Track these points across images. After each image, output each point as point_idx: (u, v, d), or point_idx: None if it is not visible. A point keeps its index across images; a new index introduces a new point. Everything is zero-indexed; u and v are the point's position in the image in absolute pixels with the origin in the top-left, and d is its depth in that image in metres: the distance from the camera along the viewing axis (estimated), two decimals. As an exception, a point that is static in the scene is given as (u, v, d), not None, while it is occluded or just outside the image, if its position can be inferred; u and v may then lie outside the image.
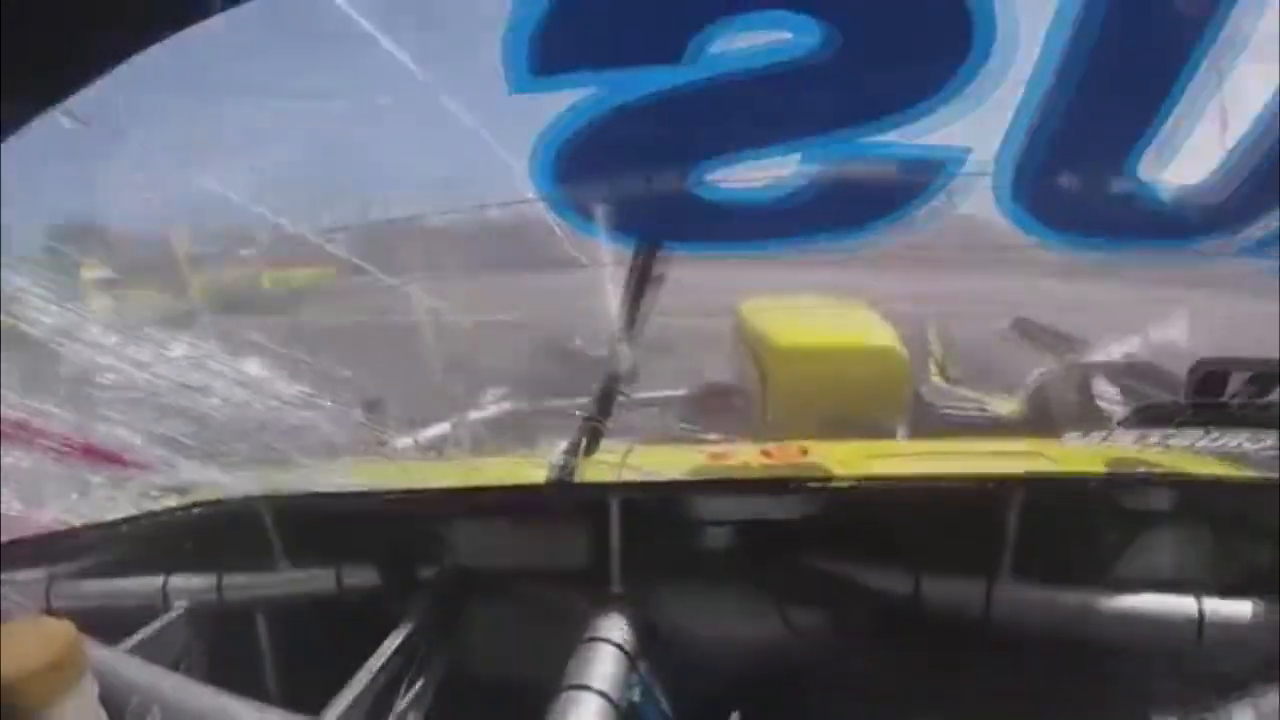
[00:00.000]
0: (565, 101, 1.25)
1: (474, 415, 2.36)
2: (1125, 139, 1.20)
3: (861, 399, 2.27)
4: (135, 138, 1.41)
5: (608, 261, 1.50)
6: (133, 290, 1.85)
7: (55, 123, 1.16)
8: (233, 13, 0.99)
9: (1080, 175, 1.24)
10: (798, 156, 1.24)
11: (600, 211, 1.35)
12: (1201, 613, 1.42)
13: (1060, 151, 1.21)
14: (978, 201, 1.25)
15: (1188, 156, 1.23)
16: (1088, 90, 1.17)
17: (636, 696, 1.37)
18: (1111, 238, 1.30)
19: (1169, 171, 1.23)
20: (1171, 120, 1.18)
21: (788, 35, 1.15)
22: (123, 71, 0.99)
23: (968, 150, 1.22)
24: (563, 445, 1.72)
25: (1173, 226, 1.26)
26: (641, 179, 1.31)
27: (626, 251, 1.44)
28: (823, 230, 1.36)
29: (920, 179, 1.24)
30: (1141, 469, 1.57)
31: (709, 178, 1.28)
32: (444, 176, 1.59)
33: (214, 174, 1.46)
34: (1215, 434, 1.52)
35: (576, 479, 1.62)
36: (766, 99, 1.19)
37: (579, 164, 1.29)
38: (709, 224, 1.34)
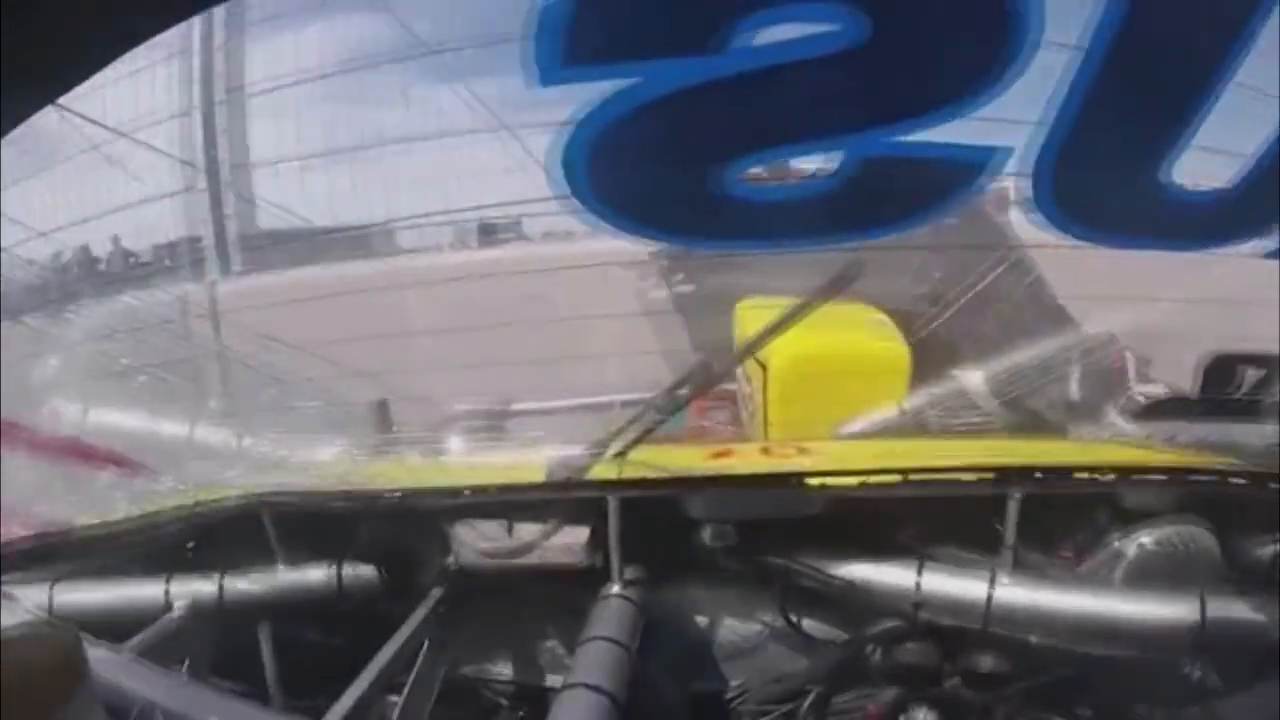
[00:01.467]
0: (600, 95, 1.22)
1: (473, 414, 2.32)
2: (1158, 144, 1.21)
3: (863, 398, 2.27)
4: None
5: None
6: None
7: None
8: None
9: (1113, 179, 1.24)
10: (836, 154, 1.22)
11: (632, 210, 1.32)
12: (1204, 612, 1.44)
13: (1094, 155, 1.21)
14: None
15: (1217, 160, 1.25)
16: (1122, 95, 1.17)
17: (637, 697, 1.35)
18: (1144, 239, 1.32)
19: (1199, 175, 1.25)
20: (1203, 126, 1.19)
21: (826, 27, 1.13)
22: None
23: (1009, 150, 1.22)
24: (562, 444, 1.70)
25: (1204, 229, 1.28)
26: (675, 176, 1.28)
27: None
28: (856, 229, 1.35)
29: (958, 178, 1.23)
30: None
31: (742, 176, 1.26)
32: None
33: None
34: (1222, 427, 1.54)
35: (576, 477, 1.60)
36: (803, 92, 1.17)
37: (611, 161, 1.25)
38: (742, 223, 1.31)
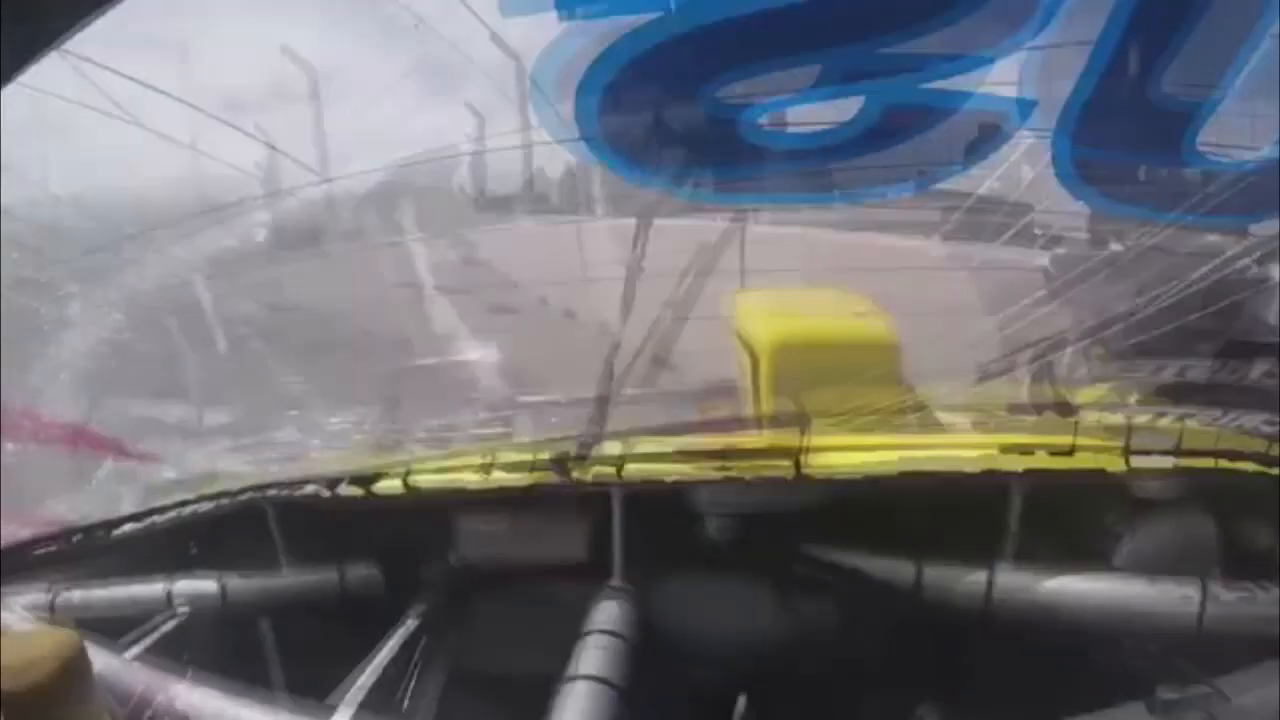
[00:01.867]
0: (608, 40, 1.18)
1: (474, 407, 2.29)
2: (1185, 112, 1.19)
3: (855, 390, 2.25)
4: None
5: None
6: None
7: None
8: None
9: (1140, 147, 1.22)
10: (859, 101, 1.20)
11: (646, 153, 1.30)
12: (1204, 598, 1.41)
13: (1120, 121, 1.19)
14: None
15: (1249, 132, 1.22)
16: (1150, 60, 1.15)
17: (638, 688, 1.37)
18: (1167, 212, 1.29)
19: (1228, 146, 1.23)
20: (1234, 93, 1.17)
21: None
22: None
23: (1033, 104, 1.19)
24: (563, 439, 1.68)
25: (1228, 202, 1.25)
26: (686, 115, 1.25)
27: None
28: (873, 185, 1.33)
29: (981, 132, 1.21)
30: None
31: (763, 121, 1.24)
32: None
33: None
34: (1234, 414, 1.53)
35: (577, 473, 1.60)
36: (818, 21, 1.14)
37: (623, 102, 1.23)
38: (758, 171, 1.29)
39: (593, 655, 1.36)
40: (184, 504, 1.72)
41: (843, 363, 2.31)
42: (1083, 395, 1.82)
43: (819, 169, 1.28)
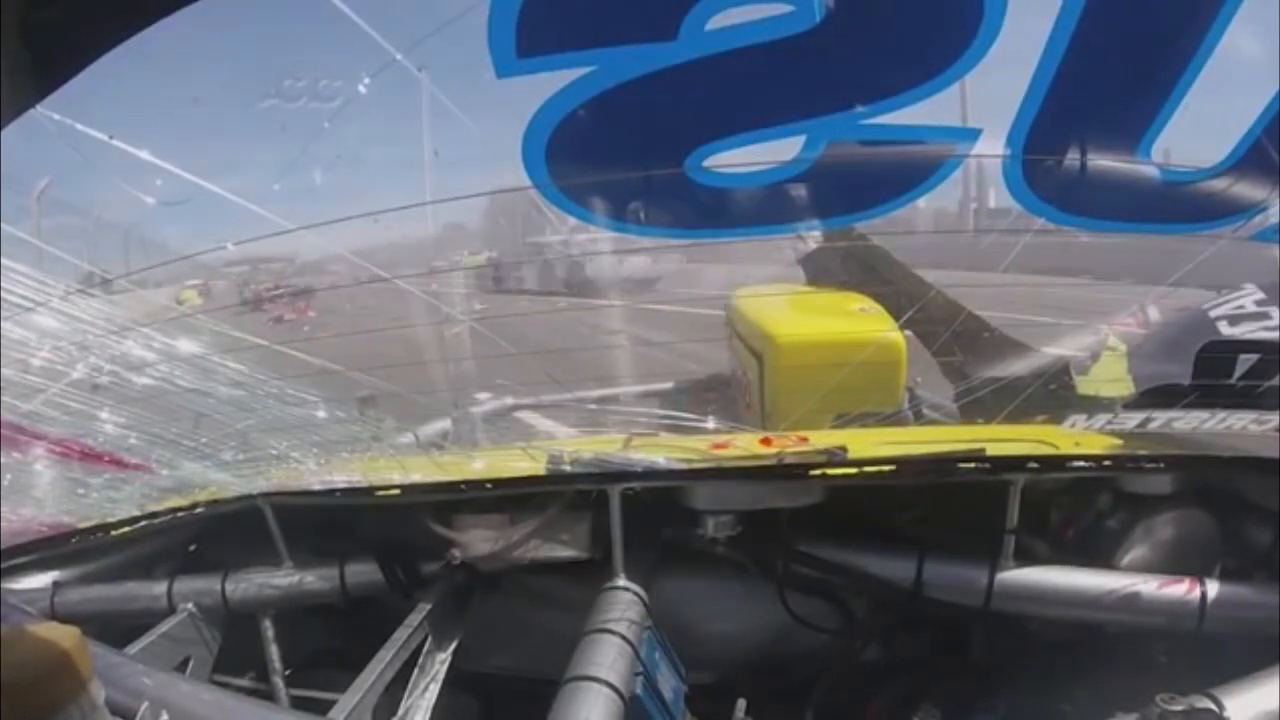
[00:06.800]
0: (557, 85, 1.19)
1: (474, 410, 2.31)
2: (1138, 120, 1.17)
3: (861, 388, 2.23)
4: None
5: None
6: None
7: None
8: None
9: (1092, 158, 1.20)
10: (800, 139, 1.19)
11: (595, 199, 1.30)
12: (1204, 595, 1.41)
13: (1072, 133, 1.17)
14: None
15: (1202, 138, 1.20)
16: (1100, 70, 1.13)
17: (638, 689, 1.34)
18: (1123, 221, 1.27)
19: (1183, 154, 1.20)
20: (1185, 101, 1.14)
21: (786, 9, 1.10)
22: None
23: (978, 131, 1.17)
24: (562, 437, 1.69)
25: (1187, 210, 1.23)
26: (637, 164, 1.26)
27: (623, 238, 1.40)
28: (824, 215, 1.32)
29: (928, 162, 1.19)
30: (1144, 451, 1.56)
31: (707, 162, 1.23)
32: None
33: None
34: (1221, 415, 1.50)
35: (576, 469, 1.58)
36: (765, 76, 1.14)
37: (572, 150, 1.23)
38: (707, 210, 1.29)
39: (591, 654, 1.34)
40: (179, 510, 1.75)
41: (852, 362, 2.29)
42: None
43: (767, 205, 1.27)
